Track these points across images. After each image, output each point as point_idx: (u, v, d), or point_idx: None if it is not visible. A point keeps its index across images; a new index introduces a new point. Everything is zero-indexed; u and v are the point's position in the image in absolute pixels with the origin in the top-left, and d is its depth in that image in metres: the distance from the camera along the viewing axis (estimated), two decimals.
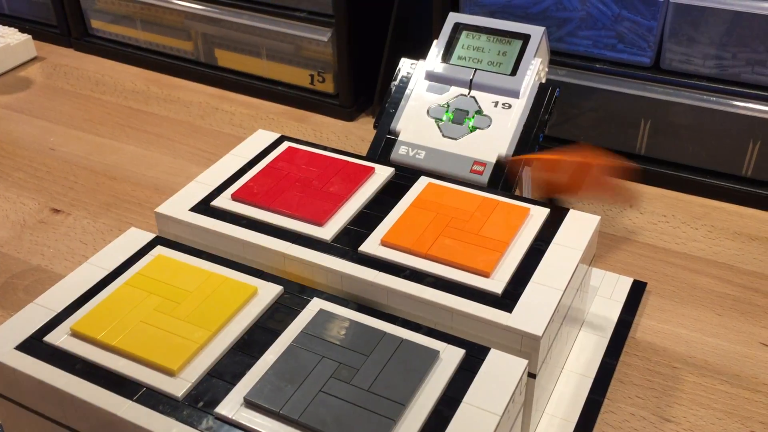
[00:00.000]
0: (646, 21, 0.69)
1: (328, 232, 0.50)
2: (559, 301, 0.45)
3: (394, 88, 0.64)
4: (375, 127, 0.63)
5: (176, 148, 0.83)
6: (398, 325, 0.43)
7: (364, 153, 0.65)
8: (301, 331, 0.42)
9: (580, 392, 0.51)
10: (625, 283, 0.61)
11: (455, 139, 0.60)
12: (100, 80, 0.98)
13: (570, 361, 0.54)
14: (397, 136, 0.62)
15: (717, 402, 0.52)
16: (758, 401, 0.52)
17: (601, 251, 0.66)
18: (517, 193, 0.60)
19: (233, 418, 0.38)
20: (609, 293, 0.60)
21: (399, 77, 0.64)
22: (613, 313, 0.58)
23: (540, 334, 0.42)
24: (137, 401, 0.39)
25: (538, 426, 0.49)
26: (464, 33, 0.64)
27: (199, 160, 0.80)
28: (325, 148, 0.59)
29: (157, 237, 0.51)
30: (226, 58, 0.94)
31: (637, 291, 0.60)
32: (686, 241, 0.67)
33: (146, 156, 0.82)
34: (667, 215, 0.70)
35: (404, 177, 0.56)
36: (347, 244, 0.49)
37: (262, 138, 0.60)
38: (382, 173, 0.56)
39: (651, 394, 0.52)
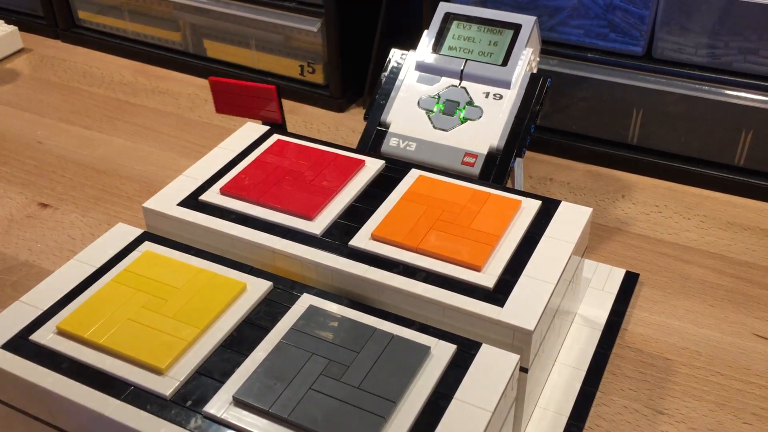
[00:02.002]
0: (638, 10, 0.69)
1: (317, 226, 0.49)
2: (551, 295, 0.44)
3: (384, 79, 0.63)
4: (365, 118, 0.63)
5: (165, 140, 0.82)
6: (389, 320, 0.43)
7: (354, 144, 0.64)
8: (291, 328, 0.42)
9: (572, 385, 0.51)
10: (617, 275, 0.61)
11: (446, 130, 0.60)
12: (88, 72, 0.97)
13: (562, 353, 0.53)
14: (388, 128, 0.61)
15: (709, 393, 0.52)
16: (751, 392, 0.52)
17: (593, 242, 0.65)
18: (508, 185, 0.60)
19: (222, 417, 0.38)
20: (601, 285, 0.60)
21: (389, 68, 0.64)
22: (606, 304, 0.58)
23: (532, 328, 0.42)
24: (124, 400, 0.39)
25: (530, 419, 0.49)
26: (455, 23, 0.63)
27: (188, 153, 0.80)
28: (314, 141, 0.58)
29: (144, 232, 0.50)
30: (215, 49, 0.93)
31: (629, 282, 0.60)
32: (679, 231, 0.67)
33: (135, 149, 0.81)
34: (660, 205, 0.70)
35: (395, 170, 0.55)
36: (337, 238, 0.48)
37: (251, 131, 0.60)
38: (372, 166, 0.55)
39: (643, 386, 0.52)
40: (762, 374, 0.53)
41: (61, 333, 0.42)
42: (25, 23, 1.07)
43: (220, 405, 0.38)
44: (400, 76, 0.63)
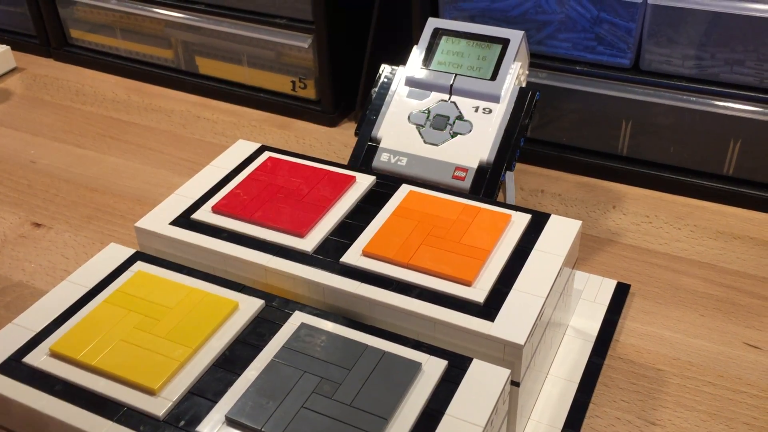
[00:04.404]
0: (624, 23, 0.69)
1: (309, 243, 0.50)
2: (542, 309, 0.45)
3: (374, 95, 0.64)
4: (356, 134, 0.63)
5: (158, 157, 0.83)
6: (381, 337, 0.43)
7: (347, 159, 0.64)
8: (283, 346, 0.42)
9: (565, 397, 0.51)
10: (608, 286, 0.61)
11: (437, 145, 0.60)
12: (81, 90, 0.97)
13: (555, 366, 0.54)
14: (379, 143, 0.61)
15: (701, 404, 0.52)
16: (742, 402, 0.52)
17: (584, 253, 0.66)
18: (500, 198, 0.60)
19: None
20: (593, 296, 0.60)
21: (379, 83, 0.64)
22: (598, 316, 0.58)
23: (522, 342, 0.42)
24: (118, 422, 0.39)
25: None
26: (444, 38, 0.64)
27: (181, 170, 0.80)
28: (305, 158, 0.58)
29: (137, 252, 0.50)
30: (207, 66, 0.94)
31: (620, 293, 0.60)
32: (669, 241, 0.67)
33: (128, 167, 0.81)
34: (650, 216, 0.71)
35: (385, 185, 0.55)
36: (329, 255, 0.49)
37: (243, 148, 0.60)
38: (363, 182, 0.55)
39: (636, 397, 0.52)
40: (753, 383, 0.53)
41: (54, 355, 0.42)
42: (17, 42, 1.07)
43: (212, 425, 0.38)
44: (390, 92, 0.63)
